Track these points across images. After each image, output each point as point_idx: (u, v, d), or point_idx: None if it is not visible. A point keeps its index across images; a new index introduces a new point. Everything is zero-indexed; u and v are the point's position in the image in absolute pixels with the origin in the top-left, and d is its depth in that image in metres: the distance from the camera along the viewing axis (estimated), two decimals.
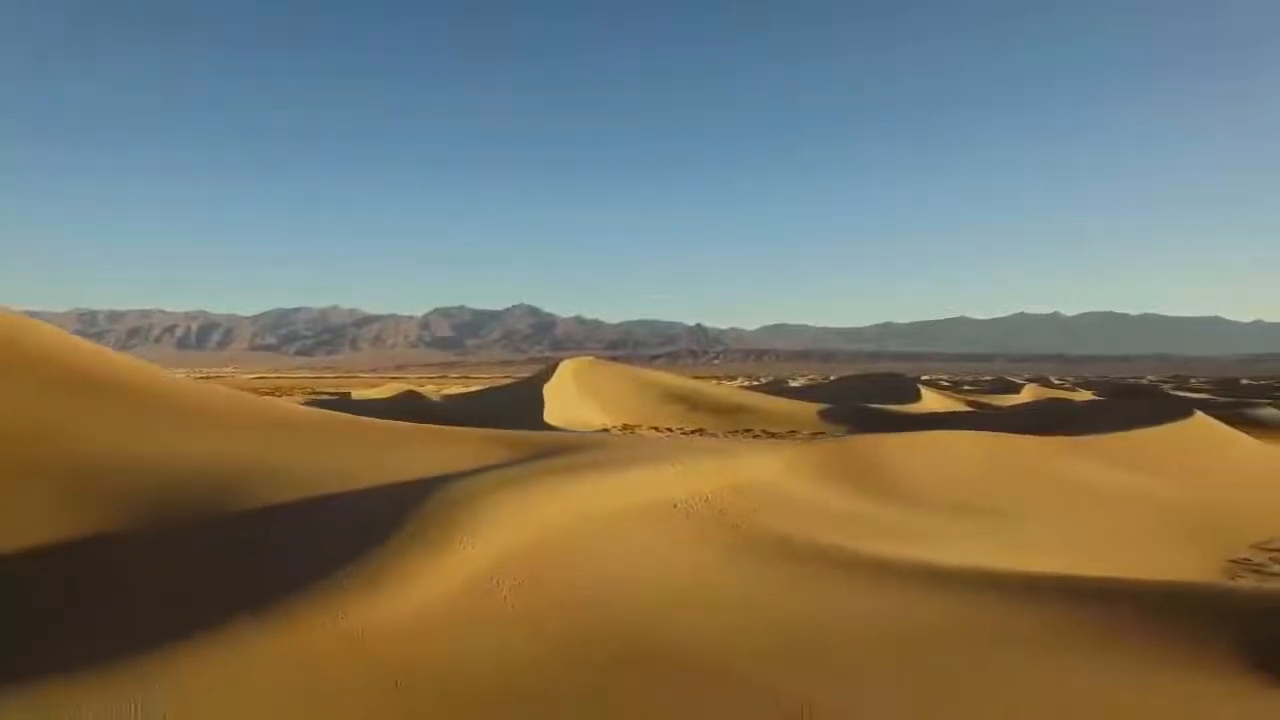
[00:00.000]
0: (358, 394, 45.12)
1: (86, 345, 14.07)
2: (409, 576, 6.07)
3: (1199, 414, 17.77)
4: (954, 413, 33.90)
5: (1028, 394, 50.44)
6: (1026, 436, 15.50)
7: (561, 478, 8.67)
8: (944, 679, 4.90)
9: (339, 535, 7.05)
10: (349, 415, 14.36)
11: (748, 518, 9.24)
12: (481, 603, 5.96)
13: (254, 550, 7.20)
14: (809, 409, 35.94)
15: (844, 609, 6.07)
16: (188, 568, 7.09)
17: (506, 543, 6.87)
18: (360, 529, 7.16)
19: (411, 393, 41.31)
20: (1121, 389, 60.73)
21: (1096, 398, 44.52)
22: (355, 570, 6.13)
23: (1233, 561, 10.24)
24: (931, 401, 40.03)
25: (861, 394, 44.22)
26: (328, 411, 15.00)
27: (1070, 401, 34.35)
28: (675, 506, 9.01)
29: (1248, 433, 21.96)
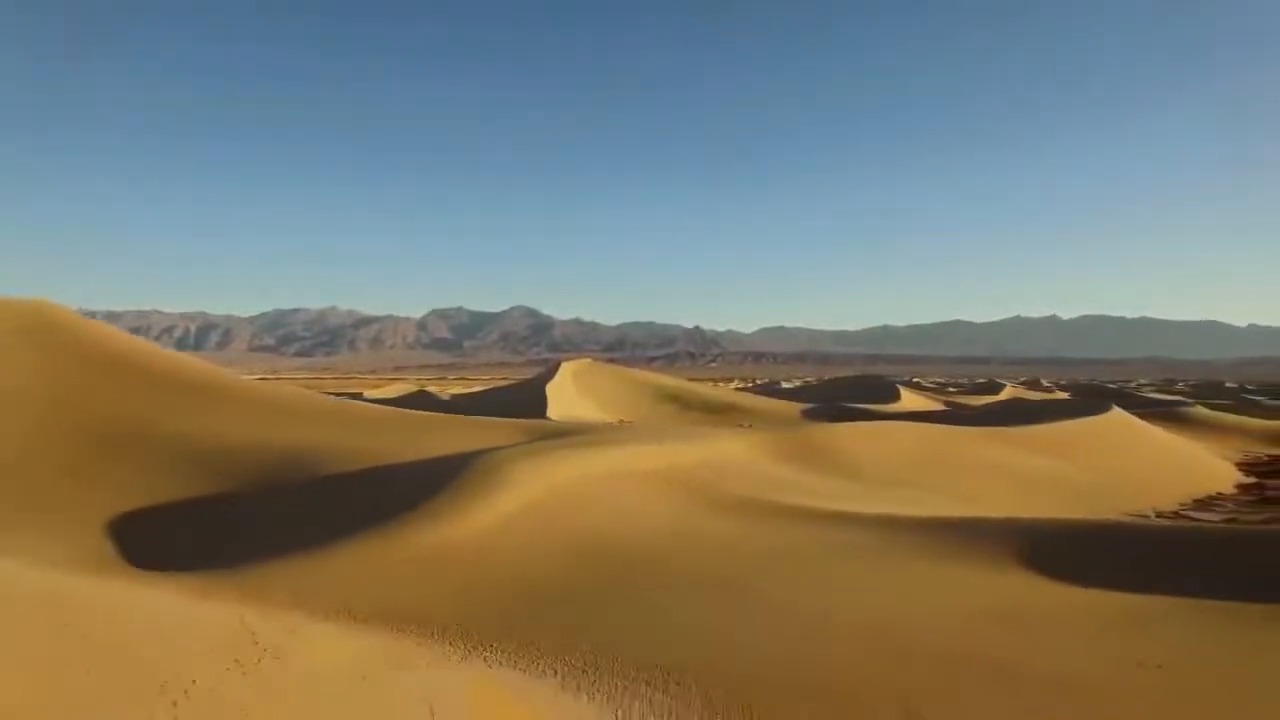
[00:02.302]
0: (369, 394, 47.54)
1: (170, 352, 16.66)
2: (462, 514, 8.66)
3: (1116, 410, 20.40)
4: (927, 411, 36.49)
5: (1006, 395, 53.26)
6: (963, 427, 18.11)
7: (568, 451, 11.30)
8: (823, 569, 7.52)
9: (406, 490, 9.65)
10: (389, 408, 16.98)
11: (714, 485, 11.82)
12: (514, 532, 8.54)
13: (344, 501, 9.81)
14: (793, 408, 38.57)
15: (770, 536, 8.68)
16: (297, 513, 9.69)
17: (528, 495, 9.46)
18: (420, 486, 9.76)
19: (423, 392, 43.85)
20: (1089, 390, 63.72)
21: (1066, 398, 47.24)
22: (424, 510, 8.76)
23: None
24: (909, 401, 42.70)
25: (846, 395, 46.99)
26: (373, 405, 17.59)
27: (1030, 401, 37.01)
28: (658, 474, 11.60)
29: (1176, 428, 24.62)
